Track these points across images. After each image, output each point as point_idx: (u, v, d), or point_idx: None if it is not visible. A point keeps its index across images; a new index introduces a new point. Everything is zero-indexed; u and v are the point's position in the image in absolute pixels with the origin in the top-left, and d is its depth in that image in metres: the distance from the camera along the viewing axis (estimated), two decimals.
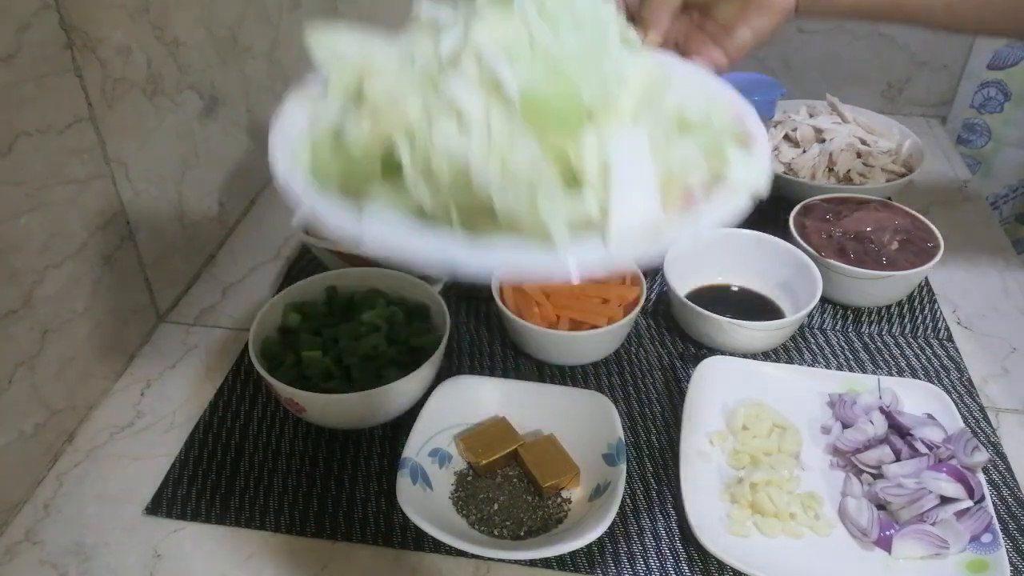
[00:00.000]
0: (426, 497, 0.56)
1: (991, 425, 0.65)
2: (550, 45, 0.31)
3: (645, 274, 0.71)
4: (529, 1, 0.32)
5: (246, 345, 0.64)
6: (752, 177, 0.31)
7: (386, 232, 0.31)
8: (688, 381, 0.65)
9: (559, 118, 0.29)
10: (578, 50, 0.31)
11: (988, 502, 0.55)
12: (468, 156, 0.29)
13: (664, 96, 0.31)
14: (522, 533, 0.55)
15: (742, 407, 0.63)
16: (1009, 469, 0.61)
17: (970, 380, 0.69)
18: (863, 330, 0.74)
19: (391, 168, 0.32)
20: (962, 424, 0.61)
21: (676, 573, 0.54)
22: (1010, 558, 0.53)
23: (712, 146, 0.31)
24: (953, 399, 0.63)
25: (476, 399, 0.63)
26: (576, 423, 0.61)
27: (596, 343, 0.68)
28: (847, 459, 0.60)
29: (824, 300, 0.76)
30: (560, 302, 0.68)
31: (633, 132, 0.30)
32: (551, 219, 0.29)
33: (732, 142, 0.32)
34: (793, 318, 0.69)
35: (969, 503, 0.55)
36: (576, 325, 0.67)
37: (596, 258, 0.30)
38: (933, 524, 0.54)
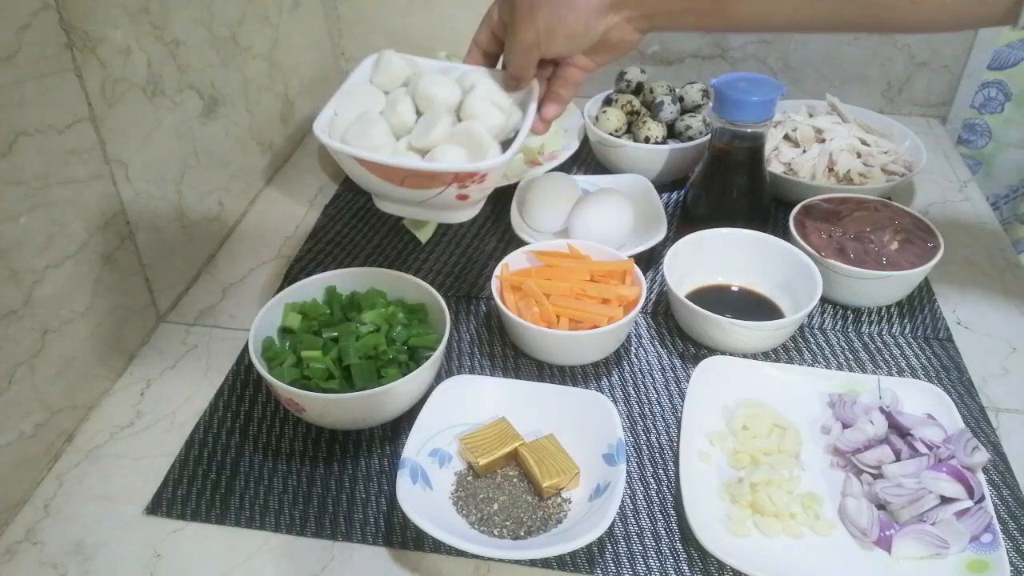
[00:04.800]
0: (426, 497, 0.56)
1: (991, 425, 0.65)
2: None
3: (645, 274, 0.71)
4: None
5: (246, 345, 0.64)
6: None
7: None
8: (688, 381, 0.65)
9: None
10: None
11: (988, 502, 0.55)
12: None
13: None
14: (522, 533, 0.55)
15: (742, 407, 0.63)
16: (1009, 469, 0.61)
17: (970, 380, 0.69)
18: (863, 330, 0.74)
19: None
20: (962, 424, 0.61)
21: (676, 573, 0.54)
22: (1010, 558, 0.53)
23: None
24: (953, 399, 0.63)
25: (476, 399, 0.63)
26: (576, 423, 0.61)
27: (596, 343, 0.68)
28: (847, 459, 0.60)
29: (824, 300, 0.76)
30: (560, 302, 0.68)
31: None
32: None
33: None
34: (793, 318, 0.69)
35: (969, 503, 0.55)
36: (576, 325, 0.67)
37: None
38: (933, 524, 0.54)
